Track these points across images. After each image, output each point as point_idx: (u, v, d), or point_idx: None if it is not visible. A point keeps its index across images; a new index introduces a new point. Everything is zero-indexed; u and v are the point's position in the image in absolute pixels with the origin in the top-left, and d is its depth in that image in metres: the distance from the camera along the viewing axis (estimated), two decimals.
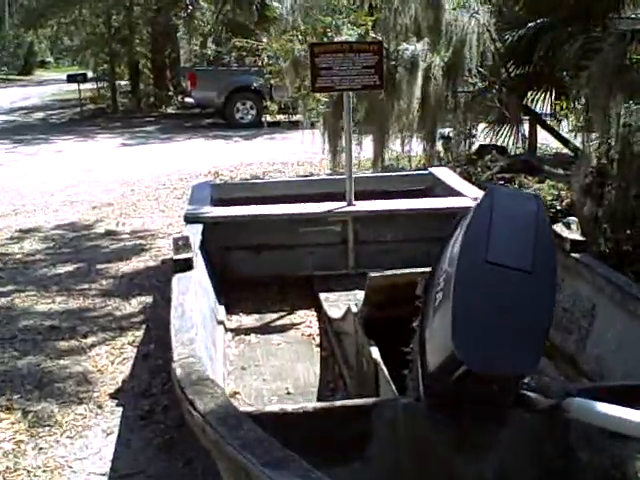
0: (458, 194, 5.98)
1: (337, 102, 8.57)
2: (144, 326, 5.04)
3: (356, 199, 6.39)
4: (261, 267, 5.53)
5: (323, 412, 2.73)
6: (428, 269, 3.55)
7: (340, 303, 4.99)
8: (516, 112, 9.41)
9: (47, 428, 3.72)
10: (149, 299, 5.60)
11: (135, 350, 4.65)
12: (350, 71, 5.38)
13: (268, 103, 9.41)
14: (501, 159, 8.67)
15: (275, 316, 5.09)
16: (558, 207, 6.52)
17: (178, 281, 3.94)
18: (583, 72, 6.36)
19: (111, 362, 4.47)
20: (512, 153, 10.21)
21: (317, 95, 8.27)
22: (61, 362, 4.47)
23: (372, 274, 3.43)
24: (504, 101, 9.14)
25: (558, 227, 4.52)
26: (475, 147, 10.23)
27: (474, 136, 10.16)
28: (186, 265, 4.10)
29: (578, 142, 9.55)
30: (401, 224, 5.63)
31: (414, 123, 9.01)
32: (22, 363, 4.47)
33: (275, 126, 11.30)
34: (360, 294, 5.16)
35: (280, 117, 10.35)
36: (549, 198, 6.64)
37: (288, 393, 3.96)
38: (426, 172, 7.13)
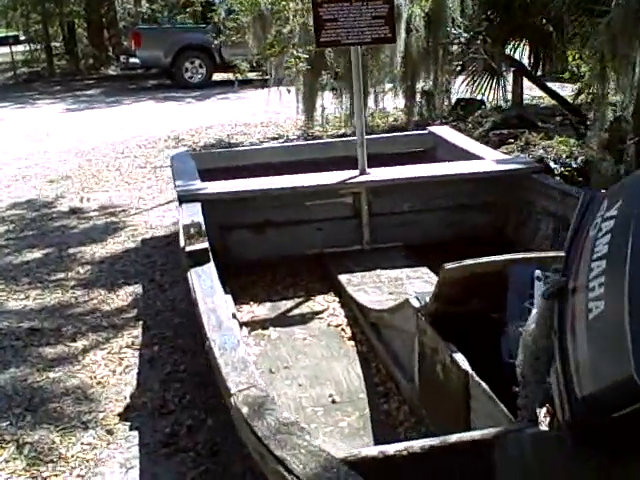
0: (473, 156, 5.42)
1: (316, 59, 7.91)
2: (140, 323, 4.37)
3: (351, 163, 5.83)
4: (265, 247, 4.89)
5: (435, 451, 2.15)
6: (515, 256, 3.03)
7: (365, 287, 4.42)
8: (500, 63, 8.88)
9: (51, 465, 3.04)
10: (138, 289, 4.91)
11: (137, 354, 3.98)
12: (358, 22, 4.71)
13: (238, 61, 8.58)
14: (493, 114, 8.13)
15: (291, 304, 4.47)
16: (574, 165, 6.01)
17: (198, 279, 3.29)
18: (601, 18, 5.81)
19: (112, 371, 3.79)
20: (489, 107, 9.74)
21: (294, 52, 7.61)
22: (51, 375, 3.77)
23: (447, 265, 2.83)
24: (489, 52, 8.58)
25: None
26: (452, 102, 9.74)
27: (448, 90, 9.60)
28: (203, 257, 3.45)
29: (564, 94, 9.13)
30: (417, 193, 5.05)
31: (397, 78, 8.44)
32: (4, 378, 3.75)
33: (244, 84, 10.43)
34: (384, 274, 4.61)
35: (251, 75, 9.50)
36: (563, 155, 6.13)
37: (333, 402, 3.36)
38: (425, 132, 6.54)
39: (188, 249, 3.48)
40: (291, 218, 4.96)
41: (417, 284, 4.38)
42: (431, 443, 2.19)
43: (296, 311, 4.38)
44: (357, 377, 3.59)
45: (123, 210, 6.81)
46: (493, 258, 2.88)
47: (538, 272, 2.85)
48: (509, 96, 9.93)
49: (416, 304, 3.12)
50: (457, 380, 2.73)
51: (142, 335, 4.20)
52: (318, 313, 4.32)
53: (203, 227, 3.59)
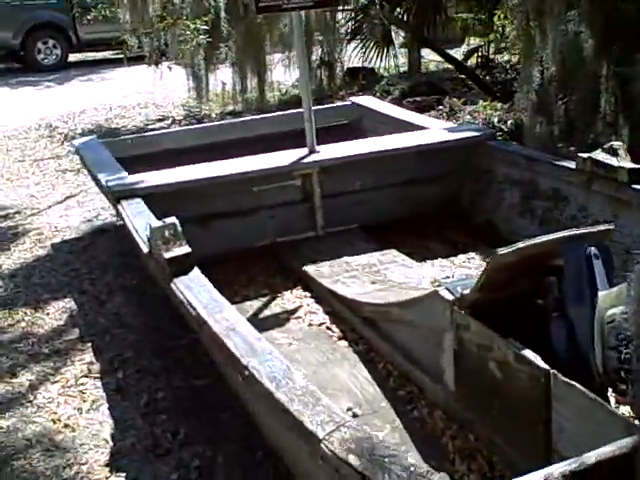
0: (412, 126, 5.12)
1: (212, 30, 7.34)
2: (89, 345, 3.74)
3: (277, 140, 5.43)
4: (212, 242, 4.31)
5: (577, 476, 1.82)
6: (564, 234, 2.69)
7: (340, 277, 4.01)
8: (396, 29, 8.65)
9: None
10: (70, 303, 4.24)
11: (99, 384, 3.37)
12: None
13: (125, 37, 7.80)
14: (400, 82, 7.87)
15: (257, 304, 3.99)
16: (505, 129, 5.86)
17: (191, 291, 2.78)
18: None
19: (77, 410, 3.18)
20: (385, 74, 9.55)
21: (190, 24, 7.01)
22: (3, 423, 3.12)
23: (500, 251, 2.48)
24: (386, 17, 8.31)
25: (600, 155, 3.80)
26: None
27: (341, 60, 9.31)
28: (187, 264, 2.93)
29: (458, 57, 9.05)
30: (368, 169, 4.67)
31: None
32: None
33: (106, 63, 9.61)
34: (353, 260, 4.22)
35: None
36: (495, 120, 5.95)
37: (355, 415, 2.94)
38: (348, 103, 6.17)
39: (167, 256, 2.94)
40: (238, 207, 4.46)
41: (394, 269, 4.03)
42: (569, 468, 1.84)
43: (267, 312, 3.91)
44: (368, 383, 3.19)
45: (17, 212, 5.99)
46: (544, 238, 2.56)
47: (594, 249, 2.58)
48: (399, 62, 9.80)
49: (449, 296, 2.76)
50: (529, 380, 2.41)
51: (97, 360, 3.59)
52: (293, 312, 3.87)
53: (179, 228, 3.05)
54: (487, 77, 8.60)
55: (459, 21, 9.50)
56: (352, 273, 4.02)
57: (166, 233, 2.99)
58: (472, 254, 4.38)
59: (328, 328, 3.68)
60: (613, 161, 3.71)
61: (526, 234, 4.28)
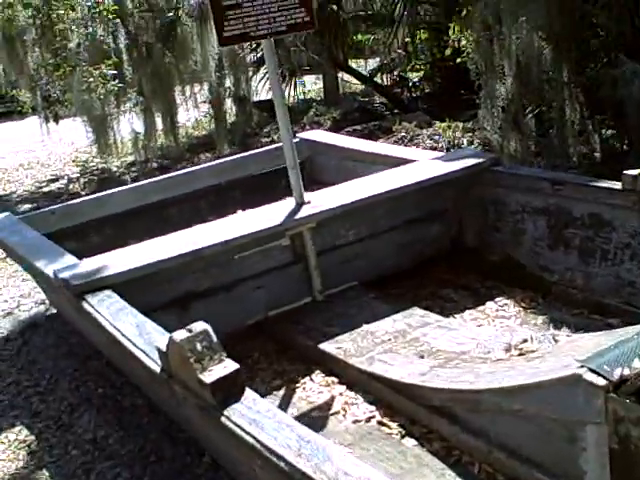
0: (396, 160, 4.47)
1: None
2: None
3: (226, 191, 4.79)
4: None
5: None
6: None
7: (372, 353, 3.26)
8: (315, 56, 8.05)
9: None
10: (21, 433, 3.28)
11: None
12: (268, 7, 3.51)
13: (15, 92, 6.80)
14: (329, 110, 7.21)
15: (275, 401, 3.16)
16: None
17: (263, 430, 1.98)
18: None
19: None
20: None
21: (93, 70, 6.12)
22: None
23: None
24: (303, 43, 7.69)
25: None
26: None
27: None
28: (239, 386, 2.13)
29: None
30: (360, 215, 3.98)
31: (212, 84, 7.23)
32: None
33: None
34: (375, 329, 3.48)
35: None
36: (465, 142, 5.41)
37: None
38: (297, 140, 5.43)
39: (209, 380, 2.11)
40: (218, 281, 3.65)
41: (434, 334, 3.31)
42: None
43: (291, 411, 3.09)
44: None
45: None
46: None
47: None
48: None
49: (599, 381, 2.09)
50: None
51: None
52: (326, 407, 3.09)
53: (214, 337, 2.22)
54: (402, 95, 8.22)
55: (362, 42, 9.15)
56: (385, 346, 3.28)
57: (198, 346, 2.16)
58: (501, 299, 3.76)
59: (381, 423, 2.92)
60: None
61: (563, 268, 3.75)
